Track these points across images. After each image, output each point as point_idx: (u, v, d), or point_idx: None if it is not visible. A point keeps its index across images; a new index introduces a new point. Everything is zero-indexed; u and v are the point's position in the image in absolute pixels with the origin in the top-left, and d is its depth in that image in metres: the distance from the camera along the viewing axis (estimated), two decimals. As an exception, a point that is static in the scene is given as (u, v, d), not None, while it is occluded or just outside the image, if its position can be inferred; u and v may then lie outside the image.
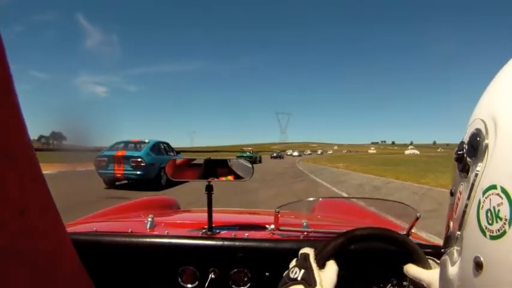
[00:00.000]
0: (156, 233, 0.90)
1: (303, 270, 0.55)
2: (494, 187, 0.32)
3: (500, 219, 0.30)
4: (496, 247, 0.31)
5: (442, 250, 0.43)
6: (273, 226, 0.89)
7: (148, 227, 0.93)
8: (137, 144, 8.95)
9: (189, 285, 0.81)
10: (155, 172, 8.22)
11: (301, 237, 0.86)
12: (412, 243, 0.66)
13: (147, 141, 8.94)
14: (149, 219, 0.95)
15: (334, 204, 1.63)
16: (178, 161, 0.98)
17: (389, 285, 0.76)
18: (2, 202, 0.22)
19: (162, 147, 9.40)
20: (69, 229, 0.80)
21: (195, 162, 0.97)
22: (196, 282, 0.81)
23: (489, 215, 0.32)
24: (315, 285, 0.52)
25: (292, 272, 0.56)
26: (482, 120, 0.36)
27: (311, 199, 1.58)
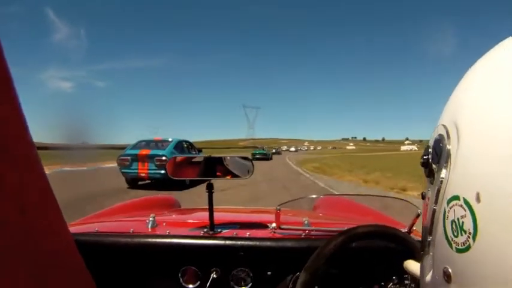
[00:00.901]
0: (157, 232, 0.90)
1: None
2: (457, 198, 0.31)
3: (465, 232, 0.30)
4: (462, 260, 0.30)
5: (421, 252, 0.42)
6: (274, 225, 0.89)
7: (149, 227, 0.93)
8: (159, 143, 8.83)
9: (191, 286, 0.81)
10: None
11: (302, 236, 0.86)
12: (413, 240, 0.66)
13: (170, 139, 8.89)
14: (150, 218, 0.95)
15: (335, 202, 1.63)
16: (179, 159, 0.97)
17: (391, 283, 0.76)
18: (2, 201, 0.22)
19: (185, 145, 9.37)
20: (71, 229, 0.80)
21: (195, 160, 0.96)
22: (198, 283, 0.81)
23: (454, 226, 0.31)
24: None
25: None
26: (445, 126, 0.36)
27: (312, 196, 1.58)
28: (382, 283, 0.77)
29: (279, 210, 0.86)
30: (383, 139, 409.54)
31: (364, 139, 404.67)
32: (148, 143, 8.77)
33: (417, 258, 0.63)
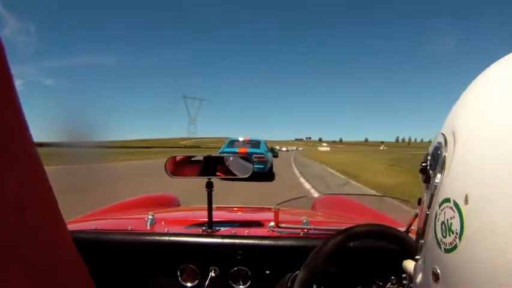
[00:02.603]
0: (156, 230, 0.90)
1: None
2: (448, 200, 0.33)
3: (452, 232, 0.31)
4: (449, 260, 0.32)
5: (416, 257, 0.43)
6: (272, 223, 0.89)
7: (148, 225, 0.93)
8: (251, 143, 10.60)
9: (189, 284, 0.81)
10: (269, 166, 10.14)
11: (301, 234, 0.86)
12: (411, 239, 0.66)
13: (258, 140, 10.88)
14: (149, 216, 0.95)
15: (334, 201, 1.63)
16: (178, 157, 0.97)
17: (389, 283, 0.76)
18: (0, 201, 0.22)
19: (267, 144, 11.38)
20: (69, 227, 0.80)
21: (195, 159, 0.96)
22: (197, 281, 0.81)
23: (443, 227, 0.33)
24: None
25: None
26: (443, 134, 0.38)
27: (311, 196, 1.58)
28: (381, 283, 0.77)
29: (278, 209, 0.86)
30: (340, 140, 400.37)
31: (320, 140, 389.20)
32: (242, 143, 10.53)
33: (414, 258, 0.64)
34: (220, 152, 9.41)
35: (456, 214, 0.31)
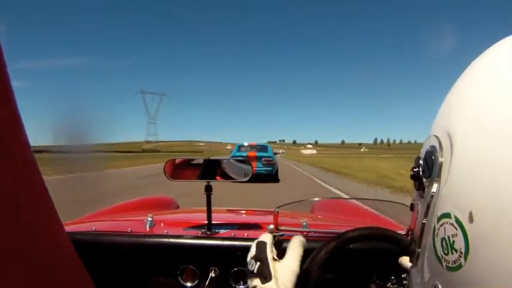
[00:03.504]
0: (155, 232, 0.90)
1: (258, 263, 0.52)
2: (448, 215, 0.29)
3: (456, 251, 0.28)
4: (453, 278, 0.29)
5: (409, 259, 0.41)
6: (272, 226, 0.89)
7: (147, 227, 0.93)
8: (258, 147, 11.64)
9: (189, 284, 0.81)
10: (276, 168, 11.08)
11: None
12: (406, 239, 0.66)
13: (265, 144, 11.97)
14: (149, 218, 0.95)
15: (333, 205, 1.63)
16: (178, 160, 0.97)
17: (389, 283, 0.76)
18: None
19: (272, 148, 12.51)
20: (68, 228, 0.80)
21: (194, 162, 0.96)
22: (197, 281, 0.81)
23: (444, 244, 0.30)
24: (270, 279, 0.49)
25: (249, 263, 0.54)
26: (437, 137, 0.33)
27: (311, 199, 1.58)
28: (380, 283, 0.77)
29: (277, 212, 0.86)
30: (316, 142, 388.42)
31: (294, 142, 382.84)
32: (250, 148, 11.59)
33: (412, 255, 0.63)
34: (232, 156, 10.01)
35: (459, 232, 0.28)
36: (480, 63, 0.32)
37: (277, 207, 0.87)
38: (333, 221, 1.28)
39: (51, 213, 0.28)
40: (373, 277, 0.78)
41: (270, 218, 0.92)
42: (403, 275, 0.72)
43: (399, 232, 0.73)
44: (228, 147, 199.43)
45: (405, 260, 0.62)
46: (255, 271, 0.51)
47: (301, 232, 0.88)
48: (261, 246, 0.55)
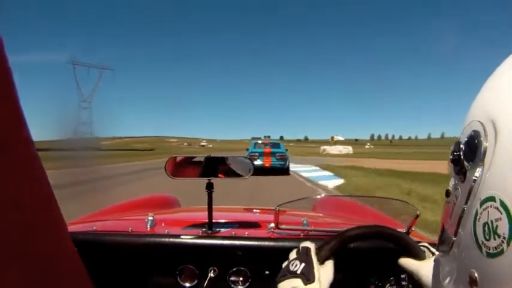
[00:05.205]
0: (156, 232, 0.90)
1: (303, 264, 0.54)
2: (492, 199, 0.29)
3: (498, 236, 0.28)
4: (492, 265, 0.29)
5: (438, 247, 0.41)
6: (273, 224, 0.89)
7: (148, 226, 0.93)
8: (271, 144, 13.54)
9: (188, 284, 0.81)
10: (288, 163, 12.55)
11: (301, 236, 0.85)
12: (407, 238, 0.66)
13: (277, 141, 13.95)
14: (149, 217, 0.95)
15: (334, 203, 1.63)
16: (179, 158, 0.97)
17: (388, 284, 0.76)
18: None
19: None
20: (69, 228, 0.80)
21: (195, 159, 0.96)
22: (196, 281, 0.81)
23: (486, 229, 0.30)
24: (313, 281, 0.51)
25: (292, 264, 0.55)
26: (481, 123, 0.33)
27: (312, 197, 1.58)
28: (380, 283, 0.77)
29: (278, 210, 0.86)
30: (306, 138, 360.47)
31: (281, 138, 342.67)
32: (265, 144, 13.53)
33: (413, 255, 0.63)
34: (250, 153, 12.13)
35: (504, 215, 0.28)
36: None
37: (278, 206, 0.87)
38: (334, 219, 1.28)
39: (54, 212, 0.27)
40: (372, 277, 0.78)
41: (270, 217, 0.91)
42: (402, 276, 0.72)
43: (399, 230, 0.73)
44: (202, 143, 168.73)
45: (406, 261, 0.62)
46: (299, 272, 0.53)
47: (302, 230, 0.88)
48: (307, 249, 0.58)
